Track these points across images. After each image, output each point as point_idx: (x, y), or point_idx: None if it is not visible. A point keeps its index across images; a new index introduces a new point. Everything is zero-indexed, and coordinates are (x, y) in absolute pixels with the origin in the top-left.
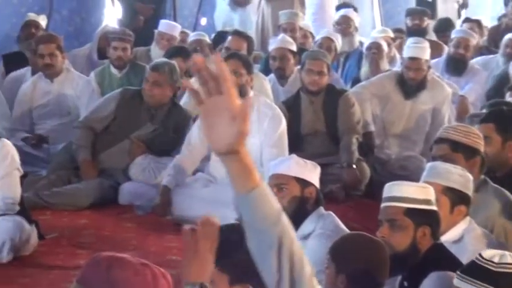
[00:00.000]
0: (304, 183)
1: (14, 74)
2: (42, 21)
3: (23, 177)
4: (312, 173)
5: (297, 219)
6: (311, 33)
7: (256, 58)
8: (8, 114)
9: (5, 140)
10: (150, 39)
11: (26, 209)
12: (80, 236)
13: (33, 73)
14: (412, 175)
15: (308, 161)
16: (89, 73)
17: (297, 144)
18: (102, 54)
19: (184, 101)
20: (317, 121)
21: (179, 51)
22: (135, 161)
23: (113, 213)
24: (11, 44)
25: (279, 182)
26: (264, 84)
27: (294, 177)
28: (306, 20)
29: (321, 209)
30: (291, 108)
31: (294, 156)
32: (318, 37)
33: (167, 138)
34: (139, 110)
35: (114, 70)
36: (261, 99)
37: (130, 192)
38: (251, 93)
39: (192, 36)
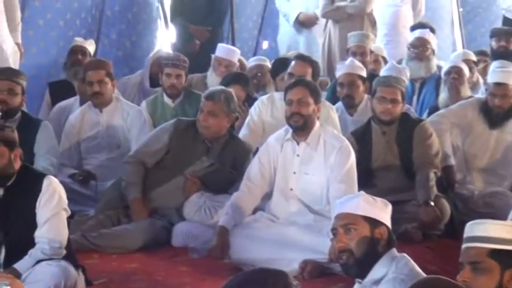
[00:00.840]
0: (374, 222)
1: (61, 104)
2: (89, 46)
3: (69, 218)
4: (382, 211)
5: (367, 262)
6: (383, 57)
7: (322, 84)
8: (57, 149)
9: (52, 177)
10: (207, 64)
11: (72, 253)
12: (130, 282)
13: (82, 103)
14: (498, 213)
15: (378, 198)
16: (140, 102)
17: (367, 179)
18: (154, 82)
19: (243, 132)
20: (390, 154)
21: (237, 78)
22: (189, 199)
23: (165, 257)
24: (58, 71)
25: (346, 222)
26: (331, 114)
27: (362, 216)
28: (377, 43)
29: (394, 251)
30: (361, 139)
31: (362, 193)
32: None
33: (224, 174)
34: (194, 143)
35: (167, 99)
36: (328, 130)
37: (184, 234)
38: (317, 124)
39: (252, 61)
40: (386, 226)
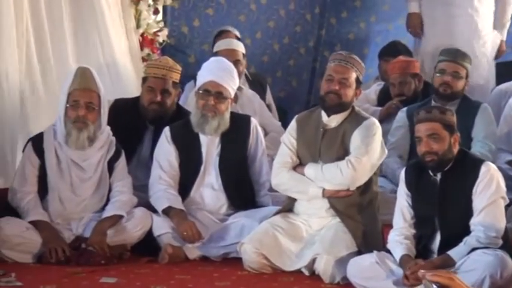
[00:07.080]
0: None
1: (501, 87)
2: None
3: (507, 206)
4: None
5: None
6: None
7: None
8: (495, 134)
9: (490, 163)
10: None
11: (508, 243)
12: None
13: None
14: None
15: None
16: None
17: None
18: None
19: None
20: None
21: None
22: None
23: None
24: None
25: None
26: None
27: None
28: None
29: None
30: None
31: None
32: None
33: None
34: None
35: None
36: None
37: None
38: None
39: None
40: None
